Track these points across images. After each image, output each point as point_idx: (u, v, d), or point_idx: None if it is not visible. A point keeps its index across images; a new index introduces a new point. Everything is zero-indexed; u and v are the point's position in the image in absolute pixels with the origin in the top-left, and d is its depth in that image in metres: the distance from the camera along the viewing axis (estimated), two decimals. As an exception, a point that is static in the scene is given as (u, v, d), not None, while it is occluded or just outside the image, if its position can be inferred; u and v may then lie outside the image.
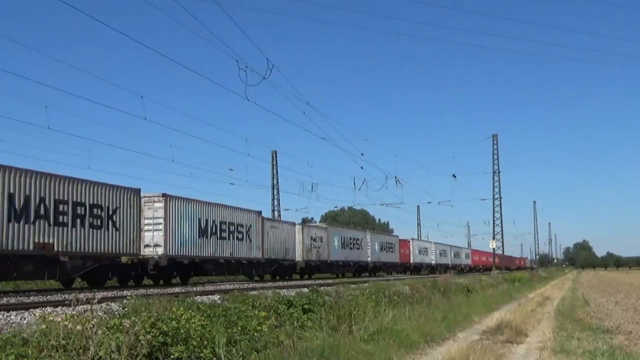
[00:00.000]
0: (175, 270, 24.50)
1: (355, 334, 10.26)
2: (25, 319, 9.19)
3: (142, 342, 6.34)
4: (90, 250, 19.66)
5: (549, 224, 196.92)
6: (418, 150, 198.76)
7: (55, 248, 18.35)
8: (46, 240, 18.04)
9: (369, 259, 45.19)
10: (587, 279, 67.72)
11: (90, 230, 19.64)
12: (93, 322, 6.11)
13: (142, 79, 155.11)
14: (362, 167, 67.38)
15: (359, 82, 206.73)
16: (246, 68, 18.94)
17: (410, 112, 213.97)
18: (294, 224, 35.00)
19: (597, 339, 11.20)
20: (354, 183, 53.08)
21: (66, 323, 6.00)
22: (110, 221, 20.57)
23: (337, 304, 12.30)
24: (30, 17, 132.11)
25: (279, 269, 33.28)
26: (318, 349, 8.44)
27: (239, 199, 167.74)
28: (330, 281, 27.21)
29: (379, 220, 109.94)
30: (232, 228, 27.67)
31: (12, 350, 5.69)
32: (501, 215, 58.14)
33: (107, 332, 6.20)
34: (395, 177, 48.12)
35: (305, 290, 15.56)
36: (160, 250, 22.99)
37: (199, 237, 25.12)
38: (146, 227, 23.01)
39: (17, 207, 17.18)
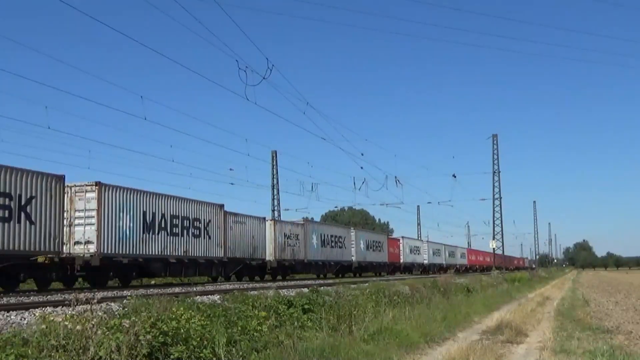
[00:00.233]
0: (112, 271, 21.55)
1: (355, 334, 10.26)
2: (25, 319, 9.19)
3: (142, 342, 6.35)
4: (-7, 247, 16.56)
5: (549, 224, 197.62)
6: (418, 150, 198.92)
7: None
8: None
9: (353, 259, 41.90)
10: (587, 279, 67.73)
11: (-4, 223, 16.53)
12: (93, 322, 6.11)
13: (142, 79, 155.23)
14: (362, 167, 67.60)
15: (359, 82, 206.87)
16: (246, 68, 18.97)
17: (410, 112, 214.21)
18: (264, 219, 31.45)
19: (597, 339, 11.20)
20: (354, 183, 53.32)
21: (66, 323, 6.00)
22: (22, 213, 17.39)
23: (337, 304, 12.31)
24: (30, 17, 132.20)
25: (246, 269, 29.90)
26: (318, 349, 8.44)
27: (239, 199, 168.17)
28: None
29: (379, 220, 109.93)
30: (186, 223, 24.51)
31: (12, 350, 5.69)
32: (501, 215, 58.22)
33: (107, 332, 6.20)
34: (395, 177, 48.19)
35: (305, 290, 15.57)
36: (92, 248, 19.98)
37: (143, 232, 21.98)
38: (77, 221, 20.22)
39: None
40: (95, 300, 6.84)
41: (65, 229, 19.62)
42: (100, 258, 20.05)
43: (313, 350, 8.31)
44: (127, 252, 21.34)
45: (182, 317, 7.46)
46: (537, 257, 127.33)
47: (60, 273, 19.69)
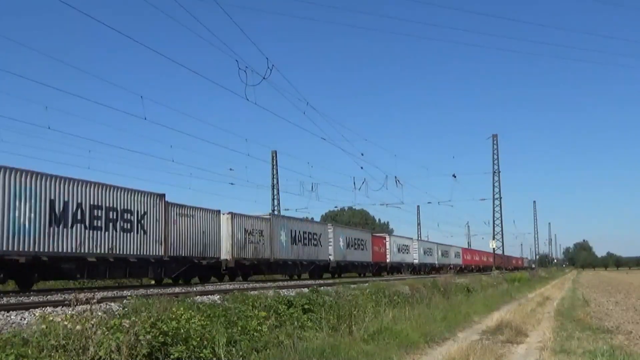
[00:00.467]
0: (3, 272, 17.63)
1: (355, 334, 10.26)
2: (25, 319, 9.18)
3: (142, 342, 6.35)
4: None
5: (549, 224, 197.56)
6: (418, 150, 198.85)
7: None
8: None
9: (330, 258, 37.78)
10: (587, 279, 67.74)
11: None
12: (93, 322, 6.11)
13: (142, 79, 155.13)
14: (362, 167, 67.59)
15: (359, 82, 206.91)
16: (246, 68, 18.95)
17: (410, 112, 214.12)
18: (218, 212, 27.14)
19: (597, 339, 11.20)
20: (354, 183, 53.37)
21: (66, 323, 6.00)
22: None
23: (337, 304, 12.31)
24: (30, 17, 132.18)
25: (194, 269, 25.76)
26: (318, 349, 8.45)
27: (239, 199, 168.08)
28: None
29: (379, 220, 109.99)
30: (112, 215, 20.36)
31: (12, 350, 5.69)
32: (501, 215, 58.24)
33: (107, 332, 6.20)
34: (395, 177, 48.20)
35: (305, 290, 15.57)
36: None
37: (49, 225, 18.13)
38: None
39: None
40: (95, 300, 6.84)
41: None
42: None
43: (313, 350, 8.31)
44: (25, 250, 17.45)
45: (182, 317, 7.47)
46: (537, 257, 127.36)
47: None
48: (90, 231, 19.58)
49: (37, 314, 7.27)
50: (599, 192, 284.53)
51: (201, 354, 7.11)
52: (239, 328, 8.60)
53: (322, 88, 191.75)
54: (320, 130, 68.02)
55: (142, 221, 21.99)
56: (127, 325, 6.31)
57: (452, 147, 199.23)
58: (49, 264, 18.55)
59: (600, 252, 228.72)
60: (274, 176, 52.42)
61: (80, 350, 5.88)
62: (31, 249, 17.65)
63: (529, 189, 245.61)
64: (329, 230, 38.71)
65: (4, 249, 16.90)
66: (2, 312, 9.90)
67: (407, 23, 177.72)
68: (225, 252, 27.23)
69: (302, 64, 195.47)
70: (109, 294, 14.63)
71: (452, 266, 66.41)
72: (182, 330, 7.17)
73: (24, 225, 17.44)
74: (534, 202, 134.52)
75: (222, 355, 7.35)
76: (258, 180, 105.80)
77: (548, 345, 10.63)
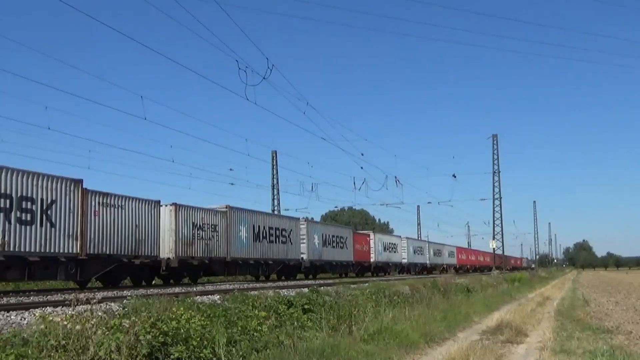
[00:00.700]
0: None
1: (355, 334, 10.26)
2: (25, 319, 9.19)
3: (142, 342, 6.35)
4: None
5: (549, 224, 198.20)
6: (418, 150, 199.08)
7: None
8: None
9: (303, 257, 34.17)
10: (587, 279, 67.74)
11: None
12: (92, 322, 6.11)
13: (142, 79, 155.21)
14: (362, 167, 67.52)
15: (359, 82, 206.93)
16: (246, 68, 18.96)
17: (410, 112, 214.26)
18: (157, 203, 23.39)
19: (597, 339, 11.20)
20: (354, 183, 53.29)
21: (66, 323, 6.00)
22: None
23: (337, 304, 12.32)
24: (30, 17, 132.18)
25: (123, 270, 22.00)
26: (318, 349, 8.45)
27: (239, 199, 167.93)
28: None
29: (379, 220, 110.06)
30: (5, 203, 16.93)
31: (12, 351, 5.69)
32: (501, 215, 58.24)
33: (107, 332, 6.20)
34: (395, 177, 48.22)
35: (305, 290, 15.57)
36: None
37: None
38: None
39: None
40: (95, 300, 6.84)
41: None
42: None
43: (313, 350, 8.31)
44: None
45: (182, 317, 7.47)
46: (537, 257, 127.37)
47: None
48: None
49: (37, 314, 7.27)
50: (599, 192, 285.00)
51: (201, 354, 7.11)
52: (239, 328, 8.60)
53: (322, 88, 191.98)
54: (320, 130, 68.13)
55: (49, 212, 18.32)
56: (127, 325, 6.31)
57: (452, 147, 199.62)
58: None
59: (600, 252, 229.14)
60: (274, 176, 52.44)
61: (80, 350, 5.88)
62: None
63: (529, 189, 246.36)
64: (302, 226, 34.77)
65: None
66: (2, 312, 9.91)
67: (407, 23, 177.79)
68: (168, 250, 23.63)
69: (302, 64, 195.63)
70: (109, 294, 14.65)
71: (445, 266, 63.95)
72: (182, 330, 7.17)
73: None
74: (534, 202, 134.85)
75: (222, 355, 7.35)
76: (258, 180, 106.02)
77: (548, 345, 10.63)
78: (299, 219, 35.57)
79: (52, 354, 5.81)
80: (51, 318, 6.19)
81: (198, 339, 7.25)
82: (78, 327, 5.96)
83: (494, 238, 58.46)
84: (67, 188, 19.07)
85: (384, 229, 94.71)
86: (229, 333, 8.07)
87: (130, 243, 21.60)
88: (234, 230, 27.57)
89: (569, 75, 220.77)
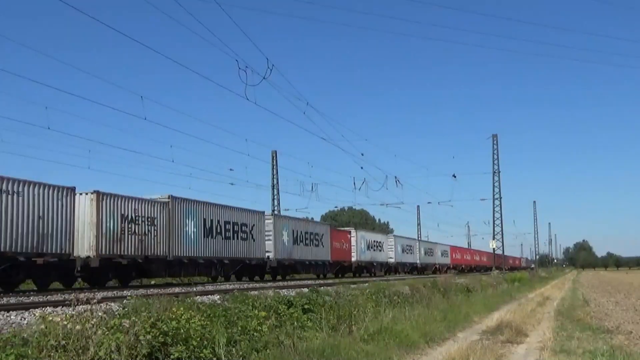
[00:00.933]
0: None
1: (355, 334, 10.26)
2: (25, 319, 9.20)
3: (142, 342, 6.35)
4: None
5: (549, 224, 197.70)
6: (418, 150, 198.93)
7: None
8: None
9: (269, 255, 30.66)
10: (587, 279, 67.73)
11: None
12: (93, 322, 6.11)
13: (142, 79, 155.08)
14: (362, 167, 67.27)
15: (359, 82, 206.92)
16: (246, 68, 18.94)
17: (410, 112, 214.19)
18: (72, 190, 19.89)
19: (597, 339, 11.21)
20: (354, 183, 53.03)
21: (66, 323, 6.00)
22: None
23: (337, 304, 12.31)
24: (30, 17, 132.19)
25: (18, 270, 18.34)
26: (318, 349, 8.45)
27: (239, 199, 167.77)
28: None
29: (379, 220, 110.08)
30: None
31: (12, 350, 5.69)
32: (501, 215, 58.20)
33: (107, 332, 6.20)
34: (395, 177, 48.16)
35: (305, 290, 15.57)
36: None
37: None
38: None
39: None
40: (95, 300, 6.84)
41: None
42: None
43: (313, 350, 8.32)
44: None
45: (182, 317, 7.46)
46: (537, 257, 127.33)
47: None
48: None
49: (37, 314, 7.27)
50: (599, 192, 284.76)
51: (201, 354, 7.11)
52: (239, 328, 8.60)
53: (322, 88, 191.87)
54: (320, 130, 68.11)
55: None
56: (127, 325, 6.31)
57: (452, 147, 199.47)
58: None
59: (600, 252, 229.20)
60: (274, 176, 52.43)
61: (80, 351, 5.88)
62: None
63: (529, 189, 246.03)
64: (268, 221, 31.17)
65: None
66: (2, 312, 9.91)
67: (407, 23, 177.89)
68: (88, 247, 20.23)
69: (302, 64, 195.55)
70: (109, 294, 14.65)
71: (437, 266, 61.75)
72: (182, 330, 7.16)
73: None
74: (534, 202, 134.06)
75: (222, 355, 7.36)
76: (258, 180, 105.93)
77: (548, 345, 10.63)
78: (263, 212, 31.47)
79: (52, 354, 5.81)
80: (51, 318, 6.18)
81: (198, 339, 7.25)
82: (78, 327, 5.96)
83: (494, 238, 58.44)
84: None
85: (384, 229, 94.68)
86: (229, 333, 8.07)
87: (30, 238, 18.09)
88: (179, 224, 24.11)
89: (569, 75, 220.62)
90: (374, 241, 47.06)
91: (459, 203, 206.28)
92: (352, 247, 42.50)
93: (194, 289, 18.15)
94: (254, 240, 29.31)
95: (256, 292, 12.83)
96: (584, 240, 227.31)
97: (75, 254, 19.93)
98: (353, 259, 42.34)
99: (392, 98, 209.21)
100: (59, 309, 9.65)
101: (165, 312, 7.70)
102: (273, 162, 52.63)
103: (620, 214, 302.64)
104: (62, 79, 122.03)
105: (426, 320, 13.11)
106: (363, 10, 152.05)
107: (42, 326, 6.16)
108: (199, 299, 11.83)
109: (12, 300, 13.52)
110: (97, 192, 20.63)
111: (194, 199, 25.79)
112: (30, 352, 5.75)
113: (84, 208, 20.46)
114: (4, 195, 17.31)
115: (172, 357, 6.77)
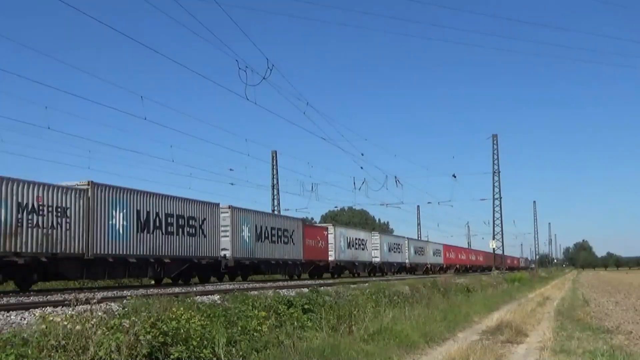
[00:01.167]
0: None
1: (355, 334, 10.27)
2: (25, 319, 9.20)
3: (142, 342, 6.35)
4: None
5: (549, 224, 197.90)
6: (418, 150, 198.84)
7: None
8: None
9: (226, 254, 26.69)
10: (587, 279, 67.74)
11: None
12: (92, 322, 6.11)
13: (142, 79, 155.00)
14: (362, 167, 67.27)
15: (359, 82, 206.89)
16: (246, 68, 18.96)
17: (410, 112, 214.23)
18: None
19: (597, 339, 11.21)
20: (354, 183, 53.03)
21: (66, 323, 6.00)
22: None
23: (337, 304, 12.32)
24: (30, 17, 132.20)
25: None
26: (318, 349, 8.45)
27: (239, 199, 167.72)
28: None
29: (379, 220, 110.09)
30: None
31: (12, 350, 5.69)
32: (501, 215, 58.24)
33: (107, 332, 6.20)
34: (395, 177, 48.13)
35: (305, 290, 15.58)
36: None
37: None
38: None
39: None
40: (95, 300, 6.84)
41: None
42: None
43: (313, 350, 8.32)
44: None
45: (182, 317, 7.47)
46: (537, 257, 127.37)
47: None
48: None
49: (37, 314, 7.27)
50: (599, 192, 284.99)
51: (201, 354, 7.11)
52: (239, 328, 8.60)
53: (322, 88, 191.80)
54: (320, 130, 67.95)
55: None
56: (127, 325, 6.31)
57: (452, 147, 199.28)
58: None
59: (600, 252, 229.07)
60: (274, 176, 52.43)
61: (80, 351, 5.88)
62: None
63: (529, 189, 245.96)
64: (224, 215, 27.02)
65: None
66: (2, 312, 9.91)
67: (408, 23, 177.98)
68: None
69: (302, 64, 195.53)
70: (109, 294, 14.64)
71: (429, 266, 58.73)
72: (182, 330, 7.17)
73: None
74: (534, 202, 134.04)
75: (222, 355, 7.36)
76: (258, 180, 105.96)
77: (548, 345, 10.63)
78: (218, 204, 26.99)
79: (52, 354, 5.81)
80: (51, 318, 6.18)
81: (198, 339, 7.26)
82: (78, 327, 5.96)
83: (494, 238, 58.47)
84: None
85: (384, 229, 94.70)
86: (229, 333, 8.08)
87: None
88: (102, 216, 20.09)
89: (569, 75, 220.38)
90: (356, 239, 42.78)
91: (458, 203, 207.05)
92: (330, 245, 38.30)
93: (194, 289, 18.16)
94: (204, 237, 25.23)
95: (256, 292, 12.84)
96: (584, 240, 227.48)
97: None
98: (331, 258, 38.14)
99: (392, 98, 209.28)
100: (59, 309, 9.65)
101: (165, 312, 7.71)
102: (273, 162, 52.66)
103: (620, 214, 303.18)
104: (62, 79, 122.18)
105: (426, 320, 13.12)
106: (363, 10, 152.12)
107: (42, 326, 6.16)
108: (199, 299, 11.84)
109: (12, 300, 13.52)
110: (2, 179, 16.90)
111: (125, 187, 21.46)
112: (30, 352, 5.75)
113: None
114: None
115: (172, 357, 6.77)
